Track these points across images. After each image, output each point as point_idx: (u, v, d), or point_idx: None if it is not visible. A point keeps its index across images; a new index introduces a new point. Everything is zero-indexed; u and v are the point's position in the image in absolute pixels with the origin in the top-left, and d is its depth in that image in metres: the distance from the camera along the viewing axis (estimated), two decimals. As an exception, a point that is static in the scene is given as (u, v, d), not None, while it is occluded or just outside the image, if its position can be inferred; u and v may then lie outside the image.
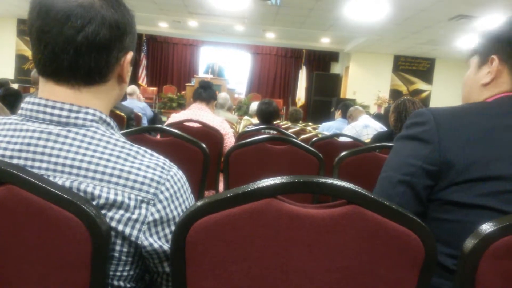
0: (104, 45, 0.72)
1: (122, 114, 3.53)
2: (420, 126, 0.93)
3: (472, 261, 0.67)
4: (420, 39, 8.96)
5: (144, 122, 4.86)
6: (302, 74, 12.15)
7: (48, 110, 0.72)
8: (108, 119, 0.77)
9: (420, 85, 11.32)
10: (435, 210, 0.92)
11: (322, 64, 12.68)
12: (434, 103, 11.04)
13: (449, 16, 6.90)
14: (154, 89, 11.69)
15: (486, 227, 0.67)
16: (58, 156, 0.69)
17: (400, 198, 0.93)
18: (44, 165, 0.69)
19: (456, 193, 0.87)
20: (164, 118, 7.71)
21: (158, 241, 0.72)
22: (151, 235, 0.72)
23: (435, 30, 7.97)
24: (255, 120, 4.65)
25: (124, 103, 4.50)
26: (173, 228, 0.73)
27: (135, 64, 11.95)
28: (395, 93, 11.01)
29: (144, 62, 12.00)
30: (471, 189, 0.86)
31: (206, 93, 2.89)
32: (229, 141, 2.61)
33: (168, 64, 12.72)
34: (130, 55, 0.79)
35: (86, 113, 0.73)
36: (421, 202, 0.93)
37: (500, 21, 1.00)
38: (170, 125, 2.45)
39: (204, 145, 1.77)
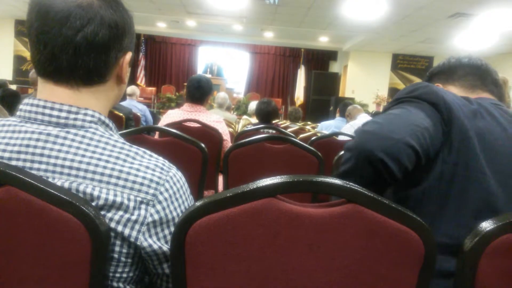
0: (103, 45, 0.72)
1: (121, 114, 3.52)
2: (422, 89, 0.94)
3: (472, 259, 0.68)
4: (418, 37, 8.96)
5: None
6: (301, 73, 12.14)
7: (47, 111, 0.71)
8: (107, 120, 0.77)
9: (419, 83, 11.31)
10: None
11: (320, 63, 12.67)
12: (432, 101, 11.03)
13: (447, 14, 6.91)
14: (153, 89, 11.68)
15: (486, 225, 0.67)
16: (56, 157, 0.69)
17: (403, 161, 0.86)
18: (43, 166, 0.69)
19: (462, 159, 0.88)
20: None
21: (157, 242, 0.72)
22: (150, 236, 0.72)
23: (433, 28, 7.97)
24: (254, 120, 4.65)
25: (123, 103, 4.50)
26: (172, 229, 0.73)
27: (134, 64, 11.95)
28: (393, 92, 11.00)
29: (142, 62, 11.98)
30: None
31: (199, 93, 2.73)
32: (225, 145, 2.56)
33: (166, 64, 12.70)
34: (129, 56, 0.79)
35: (85, 114, 0.73)
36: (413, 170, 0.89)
37: (498, 18, 1.08)
38: (169, 125, 2.44)
39: (203, 145, 1.77)
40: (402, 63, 11.28)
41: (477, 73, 1.12)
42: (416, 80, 11.23)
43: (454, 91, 1.11)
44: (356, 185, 0.64)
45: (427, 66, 11.25)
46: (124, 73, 0.80)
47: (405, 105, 0.94)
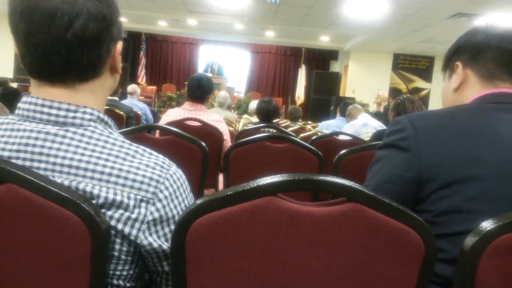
0: (93, 39, 0.71)
1: (122, 113, 3.52)
2: (397, 133, 0.93)
3: (473, 259, 0.68)
4: (419, 37, 8.95)
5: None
6: (302, 72, 12.14)
7: (45, 110, 0.71)
8: (106, 118, 0.76)
9: (420, 83, 11.31)
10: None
11: (321, 62, 12.67)
12: (433, 101, 11.03)
13: (448, 14, 6.90)
14: (154, 87, 11.68)
15: (487, 225, 0.67)
16: (56, 156, 0.69)
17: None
18: (43, 165, 0.69)
19: (443, 200, 0.85)
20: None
21: (157, 240, 0.72)
22: (150, 234, 0.72)
23: (435, 28, 7.96)
24: (255, 119, 4.65)
25: (124, 102, 4.50)
26: (172, 227, 0.73)
27: (135, 63, 11.96)
28: (394, 91, 11.00)
29: (143, 61, 11.98)
30: (458, 193, 0.84)
31: (200, 91, 2.73)
32: (226, 145, 2.55)
33: (167, 62, 12.70)
34: (119, 45, 0.78)
35: (84, 112, 0.73)
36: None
37: (499, 19, 1.02)
38: (170, 123, 2.44)
39: (203, 144, 1.77)
40: (403, 63, 11.27)
41: (504, 60, 0.98)
42: (417, 80, 11.23)
43: (471, 79, 1.02)
44: (357, 184, 0.64)
45: (428, 66, 11.24)
46: (117, 63, 0.79)
47: (380, 157, 0.97)
